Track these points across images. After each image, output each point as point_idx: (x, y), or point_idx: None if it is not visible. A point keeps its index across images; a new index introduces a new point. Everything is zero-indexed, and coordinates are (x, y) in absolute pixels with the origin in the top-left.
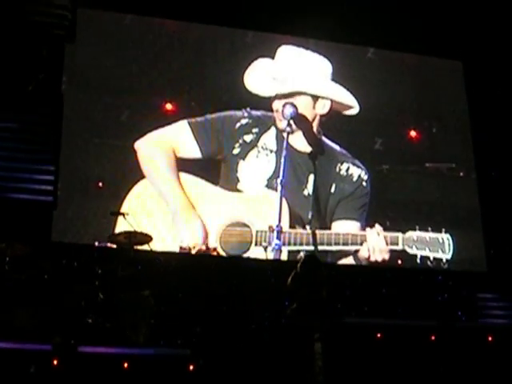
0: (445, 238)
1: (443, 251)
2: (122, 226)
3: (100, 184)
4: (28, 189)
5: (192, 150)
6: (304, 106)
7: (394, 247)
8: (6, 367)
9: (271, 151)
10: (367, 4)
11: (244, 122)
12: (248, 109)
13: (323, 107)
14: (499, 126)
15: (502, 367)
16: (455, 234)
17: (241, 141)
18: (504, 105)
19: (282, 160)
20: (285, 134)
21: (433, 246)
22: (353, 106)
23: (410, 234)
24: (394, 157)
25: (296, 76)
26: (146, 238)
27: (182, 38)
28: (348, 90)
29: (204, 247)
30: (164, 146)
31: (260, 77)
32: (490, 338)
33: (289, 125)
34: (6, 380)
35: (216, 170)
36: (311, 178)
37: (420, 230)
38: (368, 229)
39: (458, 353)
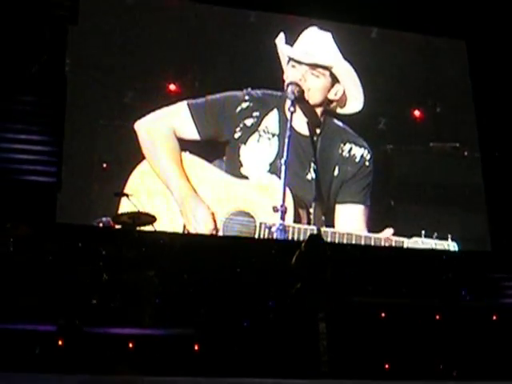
0: (451, 245)
1: None
2: (125, 206)
3: (104, 165)
4: (32, 170)
5: (190, 132)
6: (320, 86)
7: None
8: (11, 348)
9: (273, 135)
10: None
11: (245, 105)
12: (249, 89)
13: (336, 93)
14: (503, 106)
15: (506, 346)
16: (460, 212)
17: (241, 125)
18: (507, 84)
19: (286, 140)
20: (288, 114)
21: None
22: (359, 100)
23: (416, 239)
24: (398, 136)
25: (325, 52)
26: (150, 219)
27: (185, 18)
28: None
29: None
30: (164, 126)
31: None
32: (494, 317)
33: (292, 105)
34: (12, 361)
35: (222, 152)
36: (313, 162)
37: (426, 236)
38: (374, 235)
39: (462, 332)
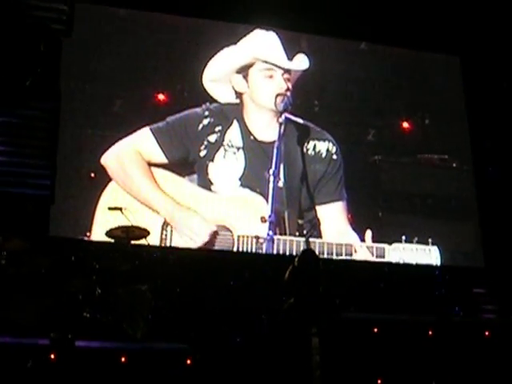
0: (432, 249)
1: (430, 261)
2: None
3: (92, 175)
4: (25, 183)
5: (157, 157)
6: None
7: (381, 259)
8: (3, 362)
9: (238, 148)
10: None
11: (206, 122)
12: (208, 104)
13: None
14: (496, 120)
15: (498, 362)
16: (448, 224)
17: (206, 142)
18: (501, 98)
19: (275, 150)
20: (277, 126)
21: (419, 256)
22: (304, 66)
23: (397, 245)
24: (387, 148)
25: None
26: (144, 233)
27: (175, 30)
28: (341, 80)
29: None
30: (131, 152)
31: (218, 64)
32: (487, 333)
33: (281, 116)
34: (4, 374)
35: (190, 169)
36: (282, 167)
37: (406, 241)
38: (358, 243)
39: (455, 348)
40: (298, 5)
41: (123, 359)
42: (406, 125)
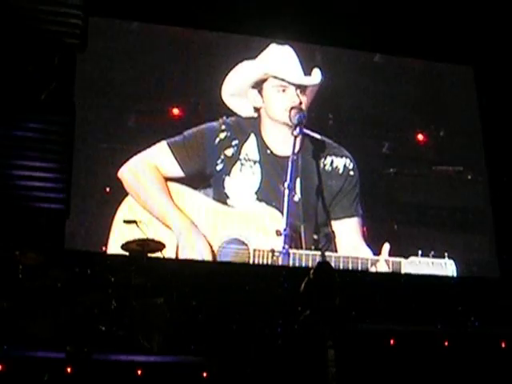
0: (448, 263)
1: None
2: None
3: (107, 189)
4: (41, 197)
5: (174, 171)
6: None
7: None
8: (20, 375)
9: (254, 162)
10: (375, 10)
11: (222, 135)
12: (224, 117)
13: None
14: (511, 130)
15: None
16: (464, 236)
17: (222, 156)
18: None
19: (290, 164)
20: (292, 138)
21: (436, 270)
22: (317, 81)
23: (413, 259)
24: (402, 160)
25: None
26: (159, 246)
27: (188, 43)
28: (355, 93)
29: None
30: (147, 167)
31: (235, 79)
32: (503, 345)
33: (296, 129)
34: None
35: (206, 183)
36: (298, 182)
37: (422, 255)
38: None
39: (471, 359)
40: (311, 17)
41: (139, 372)
42: (420, 137)
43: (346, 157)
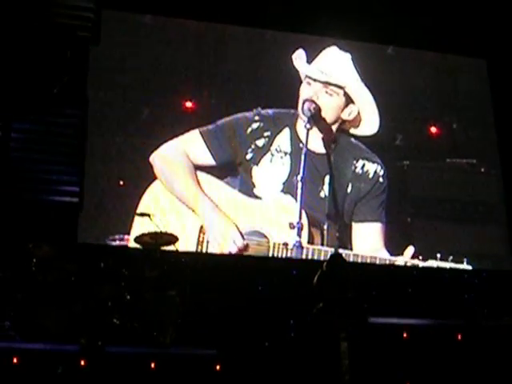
0: (466, 269)
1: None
2: (141, 225)
3: (121, 182)
4: (54, 190)
5: (206, 159)
6: (334, 105)
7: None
8: (33, 368)
9: (285, 153)
10: (389, 2)
11: (255, 126)
12: (259, 109)
13: (349, 113)
14: None
15: None
16: (477, 229)
17: (253, 146)
18: None
19: (302, 157)
20: (304, 131)
21: None
22: (374, 124)
23: (431, 262)
24: (415, 153)
25: (340, 71)
26: (172, 239)
27: (201, 36)
28: (367, 85)
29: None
30: (178, 155)
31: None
32: None
33: (309, 122)
34: (34, 381)
35: (234, 172)
36: (327, 179)
37: (441, 259)
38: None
39: (484, 352)
40: (323, 9)
41: (152, 365)
42: (433, 129)
43: (378, 163)
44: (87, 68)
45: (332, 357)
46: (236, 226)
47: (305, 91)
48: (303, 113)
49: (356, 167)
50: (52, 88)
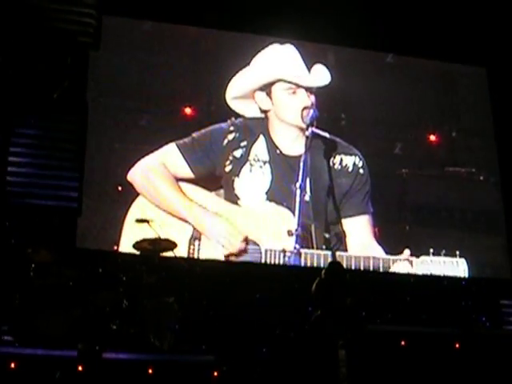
0: (460, 261)
1: (458, 274)
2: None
3: (120, 188)
4: (53, 195)
5: (183, 171)
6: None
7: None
8: (31, 373)
9: (264, 162)
10: (388, 10)
11: (231, 137)
12: (233, 119)
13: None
14: None
15: None
16: (476, 237)
17: (231, 157)
18: None
19: (301, 164)
20: (304, 140)
21: (447, 269)
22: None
23: (424, 258)
24: (414, 161)
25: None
26: (171, 245)
27: (200, 42)
28: (367, 93)
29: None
30: (156, 167)
31: (240, 83)
32: None
33: (308, 129)
34: None
35: (217, 184)
36: (308, 181)
37: (434, 254)
38: (385, 256)
39: (482, 360)
40: (322, 16)
41: (150, 371)
42: (433, 138)
43: (356, 155)
44: (87, 74)
45: (330, 364)
46: (227, 221)
47: (294, 100)
48: (303, 120)
49: (334, 163)
50: (52, 93)
